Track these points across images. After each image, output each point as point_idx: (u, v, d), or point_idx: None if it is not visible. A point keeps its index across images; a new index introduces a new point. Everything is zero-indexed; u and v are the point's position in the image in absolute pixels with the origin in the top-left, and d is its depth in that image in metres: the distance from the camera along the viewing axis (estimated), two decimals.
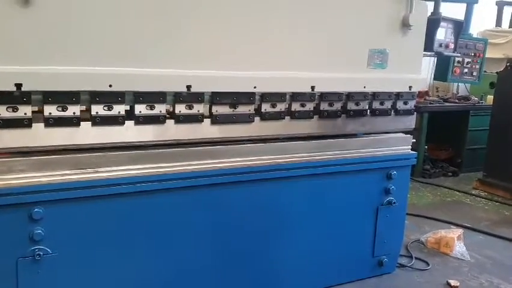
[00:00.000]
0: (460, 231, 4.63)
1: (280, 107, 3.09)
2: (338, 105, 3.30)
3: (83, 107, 2.53)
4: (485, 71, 6.11)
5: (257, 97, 3.00)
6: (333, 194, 3.41)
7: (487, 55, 5.73)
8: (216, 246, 3.05)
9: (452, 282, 3.79)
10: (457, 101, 7.45)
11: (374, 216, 3.64)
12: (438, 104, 7.13)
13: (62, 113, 2.45)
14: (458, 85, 8.01)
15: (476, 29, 5.95)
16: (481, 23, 7.13)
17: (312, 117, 3.22)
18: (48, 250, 2.51)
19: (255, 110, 3.02)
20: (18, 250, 2.45)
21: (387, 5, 3.34)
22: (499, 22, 7.98)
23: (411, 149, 3.76)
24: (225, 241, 3.07)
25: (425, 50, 3.64)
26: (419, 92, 7.07)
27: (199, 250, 3.00)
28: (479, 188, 6.68)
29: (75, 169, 2.54)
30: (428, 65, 3.88)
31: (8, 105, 2.33)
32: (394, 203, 3.66)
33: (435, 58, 4.04)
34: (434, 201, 6.18)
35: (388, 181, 3.64)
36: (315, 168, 3.27)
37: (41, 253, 2.47)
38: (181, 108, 2.77)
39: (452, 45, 3.92)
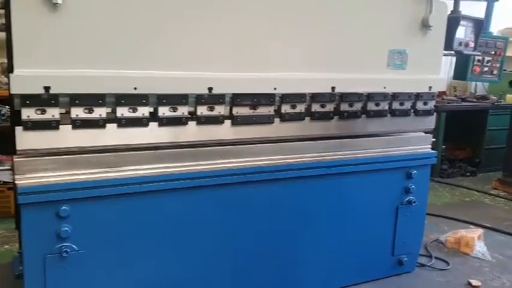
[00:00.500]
0: (480, 231, 4.61)
1: (300, 108, 3.11)
2: (358, 106, 3.31)
3: (109, 109, 2.58)
4: (504, 70, 6.05)
5: (277, 98, 3.03)
6: (353, 193, 3.43)
7: (507, 53, 5.67)
8: (240, 246, 3.09)
9: (474, 282, 3.78)
10: (475, 100, 7.40)
11: (394, 215, 3.65)
12: (456, 104, 7.09)
13: (88, 115, 2.51)
14: (476, 84, 7.95)
15: (497, 27, 5.90)
16: (503, 21, 7.06)
17: (332, 118, 3.24)
18: (75, 247, 2.57)
19: (275, 111, 3.05)
20: (46, 247, 2.51)
21: (407, 5, 3.35)
22: None
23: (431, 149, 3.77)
24: (249, 240, 3.11)
25: (444, 48, 3.64)
26: None
27: (223, 249, 3.04)
28: (499, 188, 6.63)
29: (100, 168, 2.60)
30: (445, 64, 3.85)
31: (36, 108, 2.39)
32: (414, 202, 3.67)
33: (454, 57, 4.01)
34: (453, 201, 6.15)
35: (408, 180, 3.64)
36: (334, 168, 3.28)
37: (68, 250, 2.53)
38: (202, 110, 2.81)
39: (472, 44, 3.91)
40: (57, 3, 2.31)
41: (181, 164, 2.79)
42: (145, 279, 2.82)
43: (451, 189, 6.62)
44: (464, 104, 7.19)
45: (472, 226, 5.00)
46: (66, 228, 2.52)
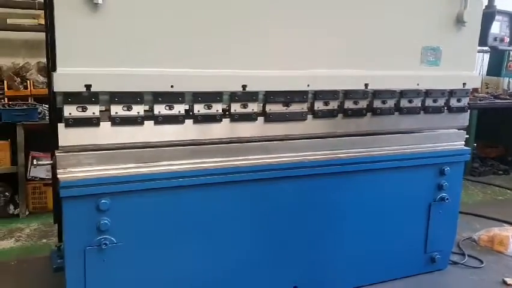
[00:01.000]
0: None
1: (333, 104, 3.13)
2: (391, 103, 3.31)
3: (147, 107, 2.65)
4: None
5: (310, 95, 3.05)
6: (386, 189, 3.43)
7: None
8: (269, 240, 3.13)
9: (509, 280, 3.74)
10: (508, 97, 7.26)
11: (426, 212, 3.64)
12: (488, 101, 6.97)
13: (127, 113, 2.58)
14: (509, 81, 7.81)
15: None
16: None
17: (365, 115, 3.25)
18: (114, 239, 2.64)
19: (307, 108, 3.07)
20: (86, 239, 2.60)
21: (442, 1, 3.33)
22: None
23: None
24: (278, 234, 3.14)
25: (478, 44, 3.60)
26: None
27: (253, 243, 3.08)
28: None
29: (138, 163, 2.67)
30: (477, 61, 3.82)
31: (78, 105, 2.47)
32: (447, 199, 3.64)
33: (486, 54, 3.96)
34: (485, 199, 6.06)
35: (441, 177, 3.62)
36: (368, 164, 3.30)
37: (107, 242, 2.61)
38: (236, 107, 2.85)
39: (507, 39, 3.86)
40: (98, 3, 2.39)
41: (214, 160, 2.85)
42: (179, 272, 2.88)
43: (483, 188, 6.52)
44: (496, 101, 7.06)
45: (505, 224, 4.92)
46: (105, 221, 2.60)
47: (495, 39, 3.75)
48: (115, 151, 2.62)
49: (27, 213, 4.88)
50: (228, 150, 2.90)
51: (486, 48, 4.03)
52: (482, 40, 3.62)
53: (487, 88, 7.94)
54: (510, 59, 4.86)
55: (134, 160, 2.66)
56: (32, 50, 5.45)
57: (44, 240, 4.27)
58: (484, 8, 3.59)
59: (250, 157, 2.94)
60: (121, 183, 2.61)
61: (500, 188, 6.49)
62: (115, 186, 2.59)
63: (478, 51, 3.86)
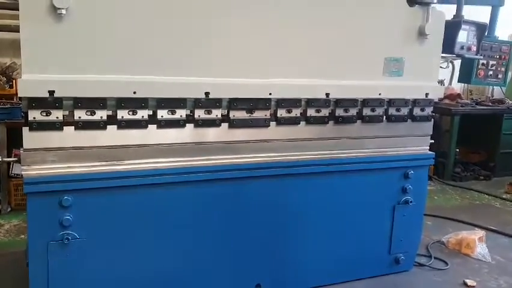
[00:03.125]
0: (482, 232, 4.65)
1: (296, 112, 3.24)
2: (353, 111, 3.42)
3: (110, 112, 2.76)
4: None
5: (273, 103, 3.16)
6: (350, 191, 3.54)
7: None
8: (232, 238, 3.24)
9: (469, 282, 3.85)
10: (490, 104, 7.37)
11: (391, 214, 3.75)
12: (470, 107, 7.08)
13: (90, 117, 2.70)
14: (493, 88, 7.91)
15: (502, 31, 5.93)
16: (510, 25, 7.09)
17: (328, 123, 3.35)
18: (76, 235, 2.76)
19: (271, 115, 3.19)
20: (49, 234, 2.72)
21: (404, 14, 3.44)
22: None
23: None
24: (242, 233, 3.26)
25: (445, 52, 3.71)
26: (450, 95, 7.15)
27: (216, 241, 3.20)
28: (511, 192, 6.62)
29: (102, 161, 2.78)
30: (449, 68, 3.94)
31: (42, 110, 2.59)
32: (411, 202, 3.75)
33: (459, 61, 4.09)
34: (462, 204, 6.18)
35: (405, 180, 3.73)
36: (331, 166, 3.40)
37: (70, 237, 2.74)
38: (200, 113, 2.97)
39: (474, 48, 3.98)
40: (61, 14, 2.50)
41: (177, 159, 2.96)
42: (141, 270, 3.00)
43: (462, 193, 6.63)
44: (478, 107, 7.18)
45: (476, 228, 5.03)
46: (68, 217, 2.72)
47: (462, 47, 3.87)
48: (78, 150, 2.73)
49: (9, 209, 5.01)
50: (192, 149, 3.00)
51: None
52: (449, 48, 3.74)
53: (471, 95, 8.06)
54: (479, 67, 4.98)
55: (98, 159, 2.78)
56: (19, 50, 5.54)
57: (22, 236, 4.39)
58: (452, 17, 3.71)
59: (213, 157, 3.06)
60: (84, 181, 2.73)
61: (479, 193, 6.60)
62: (77, 183, 2.72)
63: (449, 59, 3.97)
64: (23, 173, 2.65)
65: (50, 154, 2.67)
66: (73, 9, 2.55)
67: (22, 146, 2.64)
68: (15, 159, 2.78)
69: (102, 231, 2.85)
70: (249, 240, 3.29)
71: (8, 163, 4.92)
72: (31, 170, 2.65)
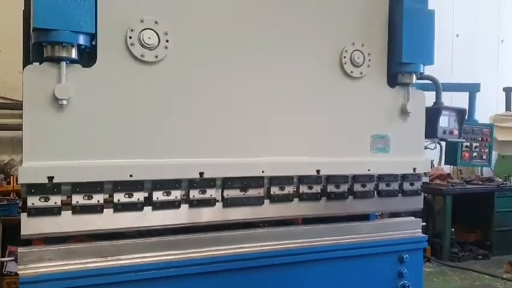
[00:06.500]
0: None
1: (289, 189, 3.32)
2: (344, 187, 3.50)
3: (107, 195, 2.82)
4: (503, 156, 6.23)
5: (266, 180, 3.24)
6: (344, 278, 3.48)
7: (501, 138, 5.88)
8: None
9: None
10: (480, 182, 7.50)
11: None
12: (461, 187, 7.20)
13: (87, 201, 2.75)
14: (481, 168, 8.09)
15: (482, 114, 6.22)
16: (488, 108, 7.47)
17: (320, 199, 3.42)
18: None
19: (264, 192, 3.24)
20: None
21: (387, 95, 3.63)
22: (508, 107, 8.24)
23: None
24: None
25: (429, 137, 3.87)
26: (440, 175, 7.29)
27: None
28: (510, 272, 6.54)
29: (98, 257, 2.79)
30: (437, 149, 4.13)
31: (40, 196, 2.65)
32: (408, 286, 3.68)
33: (444, 144, 4.26)
34: (463, 286, 6.11)
35: (401, 265, 3.68)
36: (325, 253, 3.38)
37: None
38: (194, 193, 3.04)
39: (456, 132, 4.15)
40: (62, 104, 2.66)
41: (172, 252, 2.96)
42: None
43: (462, 273, 6.57)
44: (469, 186, 7.30)
45: None
46: None
47: (444, 132, 4.05)
48: (75, 246, 2.76)
49: None
50: (187, 241, 3.01)
51: None
52: (432, 133, 3.90)
53: (461, 174, 8.21)
54: (463, 149, 5.18)
55: (95, 254, 2.78)
56: (18, 147, 5.74)
57: None
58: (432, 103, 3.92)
59: (207, 248, 3.06)
60: (81, 278, 2.71)
61: (479, 274, 6.53)
62: (74, 281, 2.69)
63: (433, 142, 4.13)
64: (19, 272, 2.63)
65: (47, 251, 2.69)
66: (74, 99, 2.70)
67: (19, 243, 2.68)
68: (12, 258, 2.78)
69: None
70: None
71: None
72: (28, 269, 2.64)
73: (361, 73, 3.50)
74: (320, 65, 3.41)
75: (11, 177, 5.34)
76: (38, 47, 2.70)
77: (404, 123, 3.69)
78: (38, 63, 2.75)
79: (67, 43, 2.65)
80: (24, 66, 2.77)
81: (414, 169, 3.73)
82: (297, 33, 3.33)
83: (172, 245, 2.98)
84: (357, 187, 3.54)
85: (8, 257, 4.78)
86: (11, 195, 5.25)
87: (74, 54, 2.70)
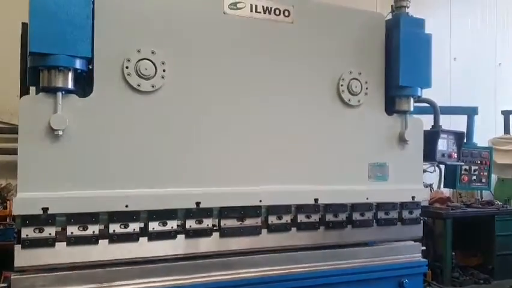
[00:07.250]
0: None
1: (286, 218, 3.28)
2: (342, 216, 3.46)
3: (102, 226, 2.79)
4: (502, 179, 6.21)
5: (263, 210, 3.22)
6: None
7: (500, 161, 5.87)
8: None
9: None
10: (480, 206, 7.46)
11: None
12: (461, 210, 7.15)
13: (82, 232, 2.72)
14: (481, 191, 8.05)
15: (481, 137, 6.22)
16: (487, 131, 7.47)
17: (318, 228, 3.38)
18: None
19: (262, 222, 3.22)
20: None
21: (385, 123, 3.63)
22: (507, 130, 8.24)
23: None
24: None
25: (428, 160, 3.85)
26: (440, 198, 7.24)
27: None
28: None
29: (92, 284, 2.75)
30: (436, 172, 4.12)
31: (35, 227, 2.62)
32: None
33: (443, 167, 4.25)
34: None
35: None
36: (324, 278, 3.35)
37: None
38: (191, 223, 3.00)
39: (455, 155, 4.14)
40: (58, 134, 2.64)
41: (167, 278, 2.93)
42: None
43: None
44: (469, 210, 7.25)
45: None
46: None
47: (443, 155, 4.04)
48: (69, 272, 2.72)
49: None
50: (183, 267, 2.99)
51: None
52: (430, 156, 3.89)
53: (460, 197, 8.17)
54: (462, 172, 5.16)
55: (89, 281, 2.75)
56: (15, 171, 5.68)
57: None
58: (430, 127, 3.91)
59: (202, 274, 3.03)
60: None
61: None
62: None
63: (432, 165, 4.11)
64: None
65: (40, 278, 2.65)
66: (70, 129, 2.69)
67: (14, 269, 2.64)
68: (5, 285, 2.75)
69: None
70: None
71: None
72: None
73: (359, 101, 3.50)
74: (317, 94, 3.42)
75: (8, 202, 5.31)
76: (35, 71, 2.70)
77: (402, 150, 3.68)
78: (34, 90, 2.77)
79: (63, 67, 2.66)
80: (21, 91, 2.77)
81: (413, 197, 3.70)
82: (294, 63, 3.35)
83: (168, 271, 2.95)
84: (356, 216, 3.51)
85: (2, 283, 4.74)
86: (8, 220, 5.21)
87: (70, 82, 2.71)
